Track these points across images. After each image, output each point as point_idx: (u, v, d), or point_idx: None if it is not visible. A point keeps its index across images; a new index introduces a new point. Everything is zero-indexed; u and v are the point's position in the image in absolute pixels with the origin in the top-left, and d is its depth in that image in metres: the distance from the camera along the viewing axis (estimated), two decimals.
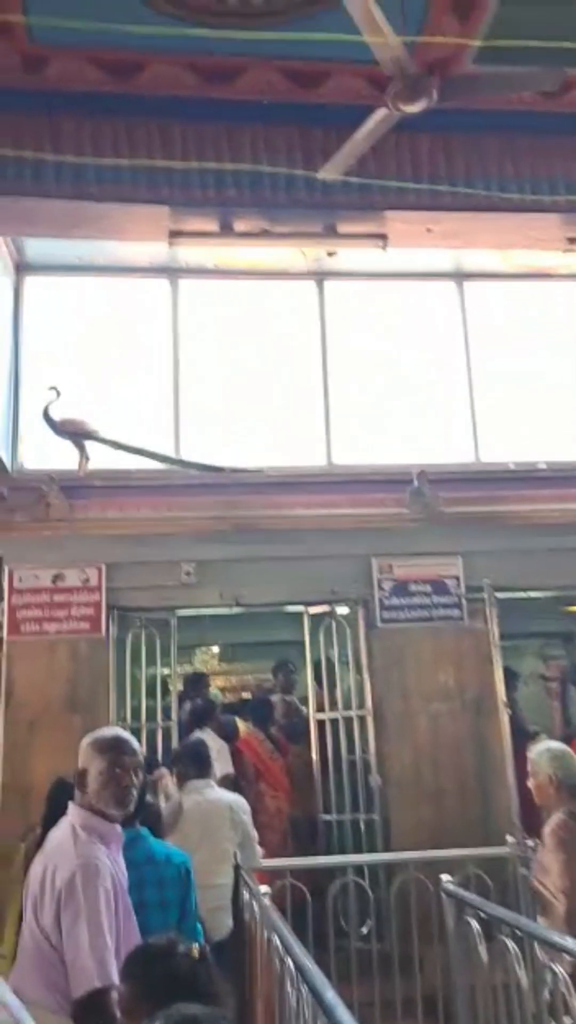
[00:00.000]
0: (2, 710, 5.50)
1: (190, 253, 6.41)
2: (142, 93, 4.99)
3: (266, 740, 6.01)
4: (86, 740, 2.55)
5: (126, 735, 2.60)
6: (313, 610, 6.12)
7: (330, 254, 6.33)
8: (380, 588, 5.99)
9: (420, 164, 5.25)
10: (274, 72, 5.05)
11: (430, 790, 5.65)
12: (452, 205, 5.27)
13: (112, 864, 2.35)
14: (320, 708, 6.02)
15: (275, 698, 6.60)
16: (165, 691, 6.11)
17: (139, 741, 2.68)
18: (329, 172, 4.62)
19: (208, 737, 5.15)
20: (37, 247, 6.38)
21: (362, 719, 5.86)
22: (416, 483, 6.15)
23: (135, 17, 4.47)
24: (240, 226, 5.41)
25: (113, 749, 2.48)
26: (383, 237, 5.57)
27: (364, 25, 3.63)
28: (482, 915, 3.53)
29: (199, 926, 3.09)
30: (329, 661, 6.09)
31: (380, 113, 4.21)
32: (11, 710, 5.49)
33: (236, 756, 5.70)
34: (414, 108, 4.05)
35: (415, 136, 5.15)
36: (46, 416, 6.16)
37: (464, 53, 4.87)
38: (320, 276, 6.85)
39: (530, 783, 3.66)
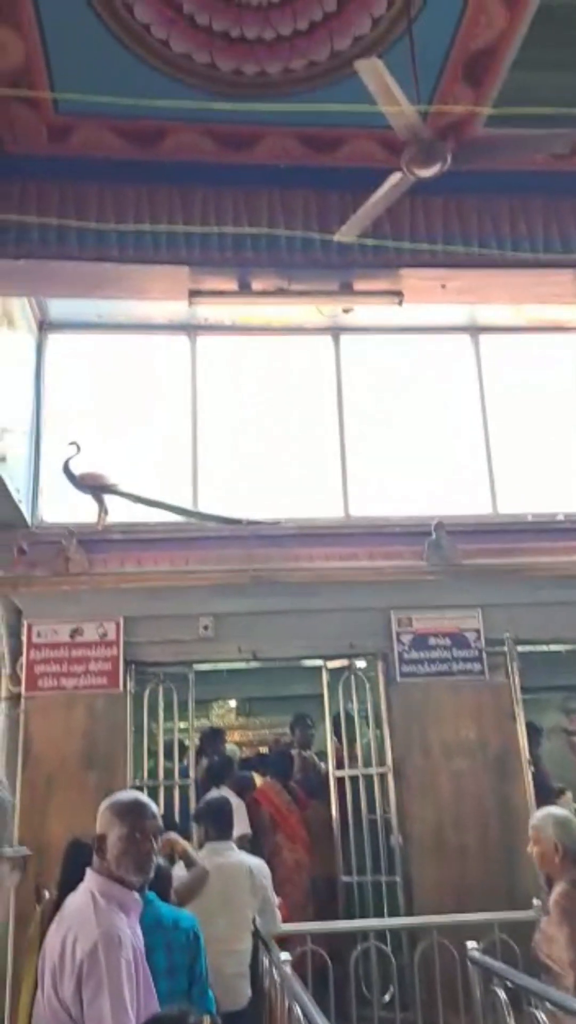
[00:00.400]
0: (19, 767, 5.47)
1: (208, 310, 6.54)
2: (163, 159, 5.14)
3: (283, 791, 5.93)
4: (105, 804, 2.52)
5: (145, 799, 2.57)
6: (332, 664, 6.08)
7: (346, 311, 6.44)
8: (399, 642, 5.95)
9: (434, 224, 5.35)
10: (290, 138, 5.20)
11: (453, 850, 5.53)
12: (466, 263, 5.35)
13: (132, 933, 2.31)
14: (339, 765, 5.94)
15: (293, 753, 6.52)
16: (182, 747, 6.05)
17: (156, 801, 2.65)
18: (345, 234, 4.71)
19: (225, 795, 5.08)
20: (59, 305, 6.54)
21: (382, 776, 5.76)
22: (434, 535, 6.15)
23: (157, 89, 4.64)
24: (258, 285, 5.50)
25: (133, 813, 2.46)
26: (398, 294, 5.65)
27: (379, 95, 3.74)
28: (509, 984, 3.42)
29: (210, 993, 3.02)
30: (348, 716, 6.03)
31: (395, 177, 4.31)
32: (28, 768, 5.46)
33: (253, 807, 5.62)
34: (428, 172, 4.14)
35: (429, 197, 5.26)
36: (66, 470, 6.24)
37: (477, 117, 5.00)
38: (336, 331, 6.96)
39: (532, 849, 3.47)
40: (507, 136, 4.53)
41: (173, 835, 3.97)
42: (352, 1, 4.42)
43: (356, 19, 4.52)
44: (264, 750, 7.59)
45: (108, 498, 6.30)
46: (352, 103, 4.13)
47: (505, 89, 4.93)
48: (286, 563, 6.02)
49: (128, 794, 2.66)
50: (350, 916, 5.44)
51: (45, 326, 6.64)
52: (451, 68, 4.83)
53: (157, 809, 2.57)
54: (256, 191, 5.21)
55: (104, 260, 5.00)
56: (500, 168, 5.17)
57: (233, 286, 5.48)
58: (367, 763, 5.84)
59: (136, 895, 2.43)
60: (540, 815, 3.55)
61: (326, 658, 6.08)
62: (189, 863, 3.88)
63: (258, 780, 6.01)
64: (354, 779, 5.84)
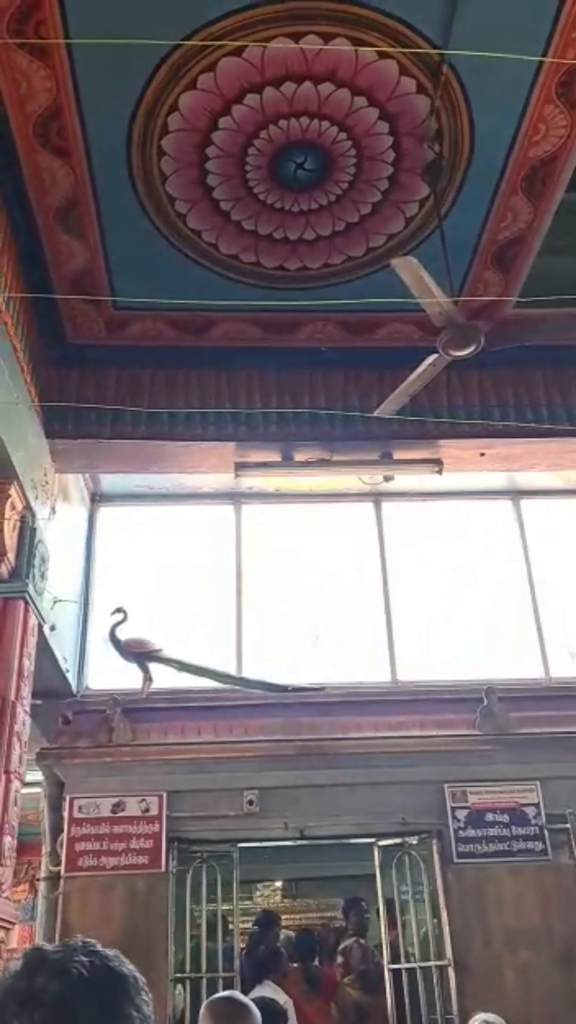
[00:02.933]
0: None
1: (253, 479, 6.75)
2: (211, 345, 5.50)
3: (302, 979, 5.49)
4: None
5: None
6: (383, 842, 5.78)
7: (387, 478, 6.59)
8: (454, 818, 5.66)
9: (471, 397, 5.56)
10: (330, 323, 5.55)
11: None
12: (504, 433, 5.52)
13: None
14: (395, 957, 5.52)
15: (349, 942, 6.08)
16: (225, 929, 5.70)
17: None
18: (385, 412, 4.92)
19: (270, 991, 4.74)
20: (111, 478, 6.81)
21: (442, 970, 5.34)
22: (486, 701, 5.99)
23: (206, 285, 5.04)
24: (301, 456, 5.72)
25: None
26: (438, 462, 5.81)
27: (415, 289, 4.01)
28: None
29: None
30: (402, 900, 5.66)
31: (432, 358, 4.53)
32: None
33: None
34: (464, 353, 4.35)
35: (465, 371, 5.50)
36: (112, 637, 6.28)
37: (507, 300, 5.31)
38: (377, 497, 7.10)
39: None
40: (537, 319, 4.77)
41: None
42: (386, 203, 4.82)
43: (390, 219, 4.91)
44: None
45: (153, 665, 6.29)
46: (388, 292, 4.43)
47: (533, 274, 5.25)
48: (333, 732, 5.88)
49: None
50: None
51: (97, 498, 6.90)
52: (481, 256, 5.16)
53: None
54: (298, 372, 5.51)
55: (156, 439, 5.27)
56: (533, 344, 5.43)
57: (277, 458, 5.70)
58: (425, 955, 5.43)
59: None
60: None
61: (377, 836, 5.79)
62: None
63: None
64: (411, 971, 5.41)
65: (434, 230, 4.79)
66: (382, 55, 3.88)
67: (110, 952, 0.94)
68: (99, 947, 0.93)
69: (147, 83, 3.95)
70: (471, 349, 4.32)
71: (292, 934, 6.97)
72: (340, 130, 4.29)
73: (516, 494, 7.18)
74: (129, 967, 0.94)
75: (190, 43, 3.72)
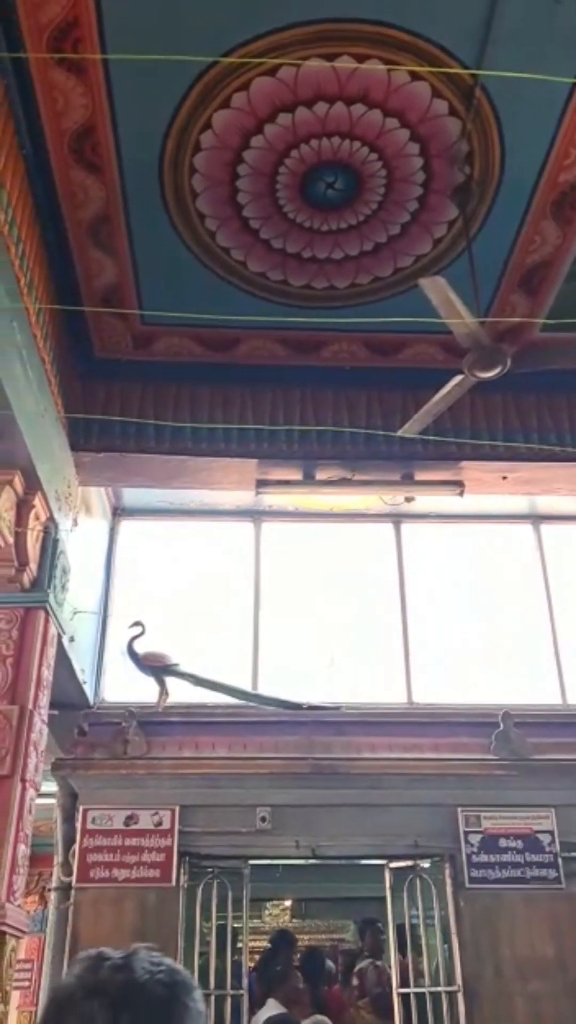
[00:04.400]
0: (64, 966, 5.16)
1: (273, 497, 6.76)
2: (236, 363, 5.53)
3: (309, 1002, 5.40)
4: None
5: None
6: (395, 864, 5.72)
7: (408, 499, 6.58)
8: (467, 842, 5.59)
9: (494, 419, 5.56)
10: (355, 343, 5.57)
11: None
12: (527, 456, 5.51)
13: None
14: (404, 981, 5.46)
15: (364, 963, 6.01)
16: (234, 948, 5.66)
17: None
18: (408, 431, 4.92)
19: (275, 1010, 4.70)
20: (132, 492, 6.85)
21: (451, 995, 5.26)
22: (502, 726, 5.93)
23: (233, 302, 5.08)
24: (322, 475, 5.72)
25: None
26: (460, 484, 5.79)
27: (442, 309, 4.02)
28: None
29: None
30: (413, 924, 5.60)
31: (457, 378, 4.54)
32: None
33: None
34: (490, 375, 4.35)
35: (488, 394, 5.49)
36: (130, 650, 6.29)
37: (534, 323, 5.31)
38: (397, 518, 7.09)
39: None
40: (564, 343, 4.77)
41: None
42: (415, 224, 4.84)
43: (419, 240, 4.94)
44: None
45: (169, 679, 6.30)
46: (414, 313, 4.45)
47: (560, 298, 5.24)
48: (347, 752, 5.84)
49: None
50: None
51: (119, 512, 6.95)
52: (508, 279, 5.17)
53: None
54: (322, 391, 5.53)
55: (179, 454, 5.30)
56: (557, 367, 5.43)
57: (298, 476, 5.71)
58: (435, 980, 5.36)
59: None
60: None
61: (389, 857, 5.73)
62: None
63: None
64: (420, 996, 5.34)
65: (462, 252, 4.80)
66: (415, 76, 3.92)
67: (168, 959, 1.02)
68: (157, 955, 1.02)
69: (181, 101, 4.01)
70: (497, 371, 4.32)
71: (297, 955, 6.91)
72: (371, 151, 4.32)
73: (537, 518, 7.15)
74: (185, 972, 1.02)
75: (227, 60, 3.77)
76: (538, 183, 4.51)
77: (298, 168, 4.41)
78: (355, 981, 6.15)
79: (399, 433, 4.99)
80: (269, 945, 5.97)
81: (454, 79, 3.96)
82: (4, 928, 3.88)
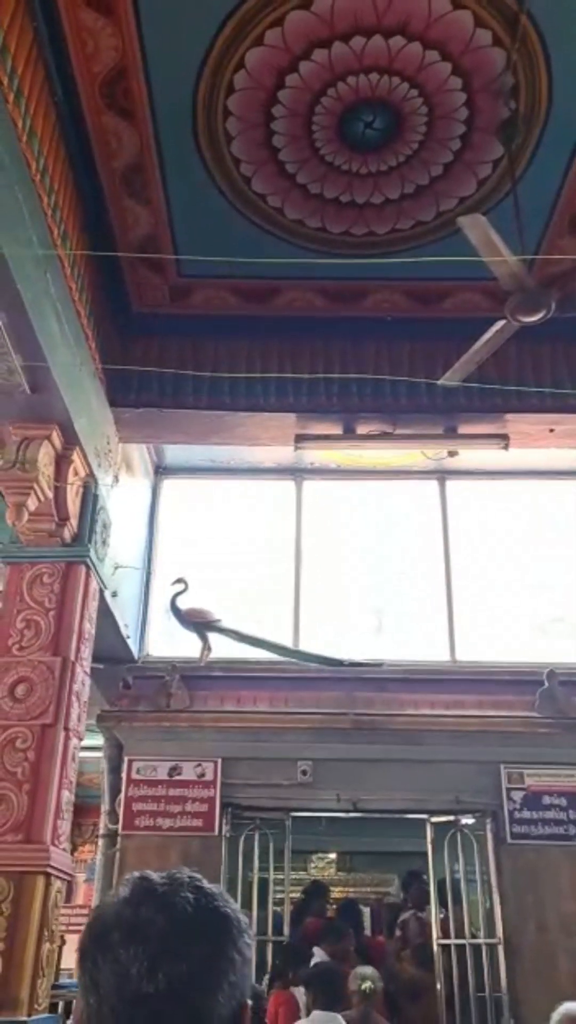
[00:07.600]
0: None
1: (315, 454, 6.69)
2: (275, 314, 5.43)
3: (352, 950, 5.42)
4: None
5: None
6: (436, 819, 5.72)
7: (451, 453, 6.45)
8: (510, 799, 5.57)
9: (541, 369, 5.38)
10: (397, 292, 5.42)
11: None
12: (575, 407, 5.32)
13: None
14: (445, 932, 5.48)
15: (407, 915, 6.06)
16: (276, 898, 5.74)
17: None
18: (449, 380, 4.78)
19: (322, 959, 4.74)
20: (174, 451, 6.84)
21: (492, 948, 5.27)
22: (547, 684, 5.85)
23: (271, 251, 4.97)
24: (363, 429, 5.61)
25: None
26: (504, 437, 5.64)
27: (482, 248, 3.87)
28: None
29: None
30: (454, 879, 5.61)
31: (499, 324, 4.38)
32: None
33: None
34: (533, 319, 4.19)
35: (536, 343, 5.31)
36: (173, 606, 6.34)
37: None
38: (441, 475, 6.97)
39: None
40: None
41: None
42: (458, 164, 4.66)
43: (462, 181, 4.75)
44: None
45: (211, 635, 6.34)
46: (457, 257, 4.29)
47: None
48: (389, 708, 5.83)
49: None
50: None
51: (161, 471, 6.95)
52: (557, 222, 4.96)
53: None
54: (362, 341, 5.40)
55: (217, 409, 5.24)
56: None
57: (338, 430, 5.62)
58: (475, 933, 5.37)
59: None
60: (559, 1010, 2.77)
61: (431, 812, 5.74)
62: None
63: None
64: (460, 948, 5.36)
65: (508, 193, 4.61)
66: (456, 4, 3.74)
67: (215, 889, 0.92)
68: (205, 883, 0.92)
69: (213, 40, 3.89)
70: (541, 315, 4.15)
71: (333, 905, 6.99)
72: (411, 87, 4.15)
73: None
74: (233, 906, 0.92)
75: None
76: None
77: (335, 107, 4.26)
78: (398, 932, 6.20)
79: (440, 382, 4.86)
80: (303, 896, 6.03)
81: (498, 5, 3.76)
82: (49, 870, 3.96)
